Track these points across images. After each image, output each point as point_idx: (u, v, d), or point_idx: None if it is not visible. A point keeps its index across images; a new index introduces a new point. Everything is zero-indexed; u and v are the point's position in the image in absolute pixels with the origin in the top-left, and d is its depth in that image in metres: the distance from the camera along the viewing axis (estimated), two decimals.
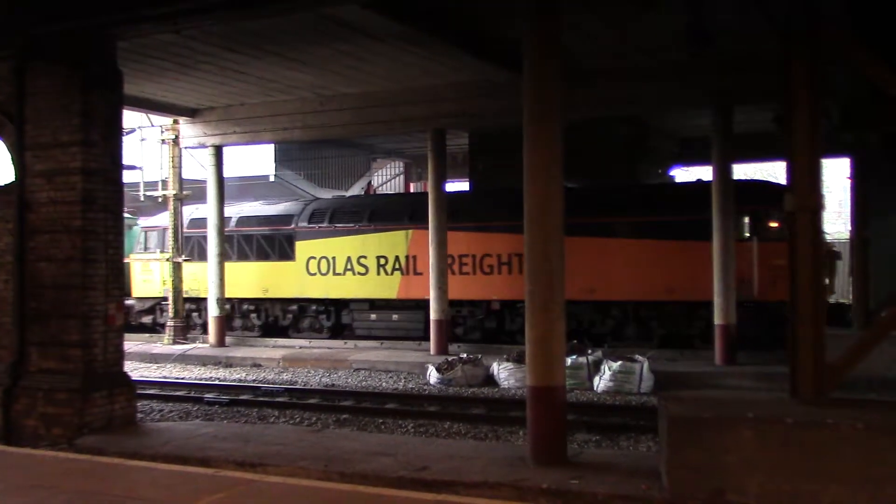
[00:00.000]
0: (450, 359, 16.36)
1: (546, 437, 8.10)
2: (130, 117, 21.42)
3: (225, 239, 21.35)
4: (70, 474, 7.71)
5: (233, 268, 21.65)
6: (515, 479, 7.41)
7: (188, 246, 22.17)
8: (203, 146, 20.58)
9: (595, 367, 14.86)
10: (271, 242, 21.69)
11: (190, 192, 21.94)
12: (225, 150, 20.99)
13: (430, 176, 19.01)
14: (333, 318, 21.24)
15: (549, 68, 8.25)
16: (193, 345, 20.80)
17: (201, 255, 21.88)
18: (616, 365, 14.58)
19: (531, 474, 7.59)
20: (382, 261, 20.32)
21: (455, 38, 13.48)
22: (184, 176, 21.85)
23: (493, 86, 16.44)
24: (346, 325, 21.17)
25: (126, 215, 16.00)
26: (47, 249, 9.93)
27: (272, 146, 27.03)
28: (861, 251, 15.97)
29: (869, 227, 16.15)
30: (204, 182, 21.39)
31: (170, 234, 21.62)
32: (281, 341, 20.92)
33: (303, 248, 21.29)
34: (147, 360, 19.65)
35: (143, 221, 24.66)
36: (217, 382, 16.37)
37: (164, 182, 21.57)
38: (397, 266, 20.15)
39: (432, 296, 18.42)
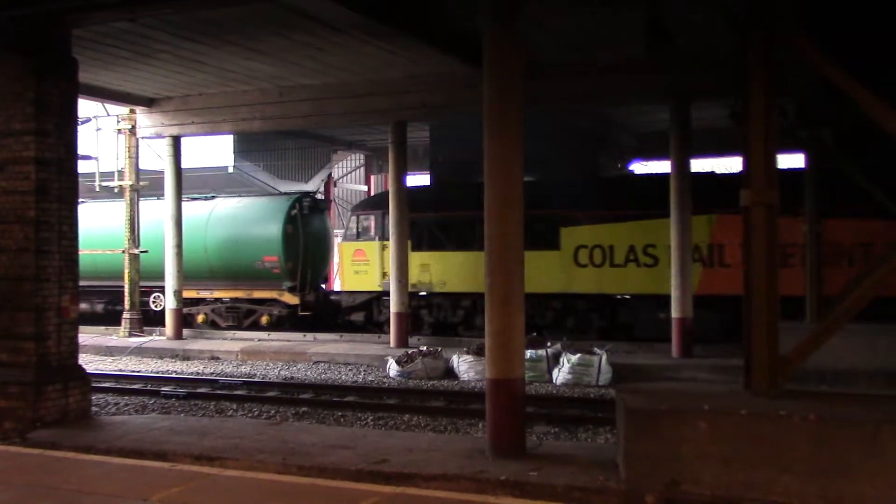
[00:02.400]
0: (410, 351, 16.36)
1: (505, 429, 8.14)
2: (86, 106, 21.07)
3: (410, 226, 19.22)
4: (22, 469, 7.58)
5: (428, 258, 19.97)
6: (474, 472, 7.44)
7: (414, 232, 19.77)
8: (160, 136, 20.31)
9: (554, 360, 14.96)
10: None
11: (147, 182, 21.65)
12: (183, 140, 20.73)
13: (391, 168, 18.99)
14: (607, 316, 18.89)
15: (508, 61, 8.26)
16: (150, 337, 20.57)
17: (430, 243, 20.06)
18: (575, 358, 14.70)
19: (490, 466, 7.62)
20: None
21: (415, 30, 13.44)
22: (141, 166, 21.58)
23: (454, 78, 16.44)
24: (624, 324, 18.77)
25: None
26: None
27: (231, 137, 26.74)
28: (815, 245, 16.24)
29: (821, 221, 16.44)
30: (161, 173, 21.12)
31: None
32: (239, 334, 20.74)
33: (570, 235, 18.79)
34: (102, 352, 19.39)
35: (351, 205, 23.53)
36: (174, 375, 16.20)
37: (121, 172, 21.25)
38: (696, 256, 17.46)
39: (392, 288, 18.39)
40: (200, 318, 22.27)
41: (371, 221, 21.26)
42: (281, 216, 21.43)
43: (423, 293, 20.25)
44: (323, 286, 23.83)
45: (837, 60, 7.21)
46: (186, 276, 20.87)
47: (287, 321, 21.39)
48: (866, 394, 8.73)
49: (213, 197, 23.33)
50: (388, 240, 19.20)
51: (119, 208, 21.89)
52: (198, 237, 21.64)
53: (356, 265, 21.13)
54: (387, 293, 19.20)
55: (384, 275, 19.97)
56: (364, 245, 21.12)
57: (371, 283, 20.90)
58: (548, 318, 19.01)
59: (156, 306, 22.53)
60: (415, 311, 19.90)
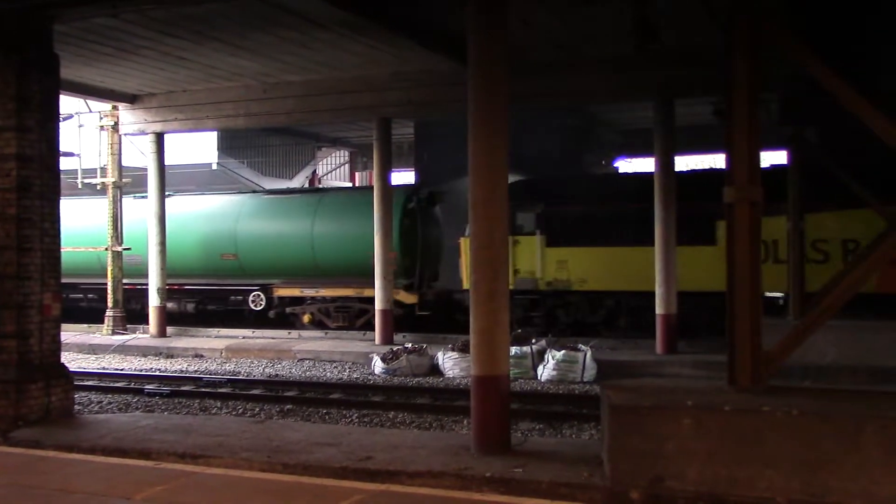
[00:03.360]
0: (395, 349, 16.35)
1: (490, 426, 8.14)
2: (68, 103, 20.90)
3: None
4: (4, 468, 7.53)
5: (567, 253, 18.60)
6: (459, 468, 7.44)
7: (550, 227, 18.63)
8: (143, 133, 20.17)
9: (539, 357, 14.99)
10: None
11: (130, 179, 21.52)
12: (167, 137, 20.62)
13: (375, 165, 18.96)
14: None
15: (494, 56, 8.25)
16: (133, 335, 20.44)
17: (569, 238, 18.55)
18: (560, 354, 14.73)
19: (475, 463, 7.63)
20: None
21: (400, 26, 13.42)
22: (124, 163, 21.43)
23: (439, 75, 16.43)
24: None
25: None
26: None
27: (215, 134, 26.65)
28: (797, 242, 16.32)
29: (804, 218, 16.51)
30: (144, 170, 20.99)
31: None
32: (224, 331, 20.65)
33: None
34: (86, 350, 19.25)
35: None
36: (158, 373, 16.13)
37: (104, 169, 21.11)
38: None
39: (377, 285, 18.36)
40: (306, 318, 20.73)
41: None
42: (398, 209, 19.68)
43: (553, 291, 18.91)
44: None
45: (821, 56, 7.25)
46: (290, 273, 20.16)
47: (404, 322, 19.51)
48: (849, 389, 8.79)
49: (321, 189, 22.27)
50: (518, 235, 18.44)
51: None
52: (304, 231, 20.40)
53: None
54: (518, 291, 18.36)
55: (515, 272, 18.77)
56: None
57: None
58: (702, 318, 17.32)
59: (255, 306, 21.16)
60: (549, 311, 18.92)
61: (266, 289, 20.90)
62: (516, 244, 18.72)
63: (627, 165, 29.30)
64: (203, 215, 21.84)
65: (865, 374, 13.33)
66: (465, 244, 19.32)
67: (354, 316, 20.52)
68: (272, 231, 20.88)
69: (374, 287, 18.56)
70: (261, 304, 21.15)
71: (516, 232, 18.69)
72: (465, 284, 18.87)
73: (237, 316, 22.04)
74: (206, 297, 22.20)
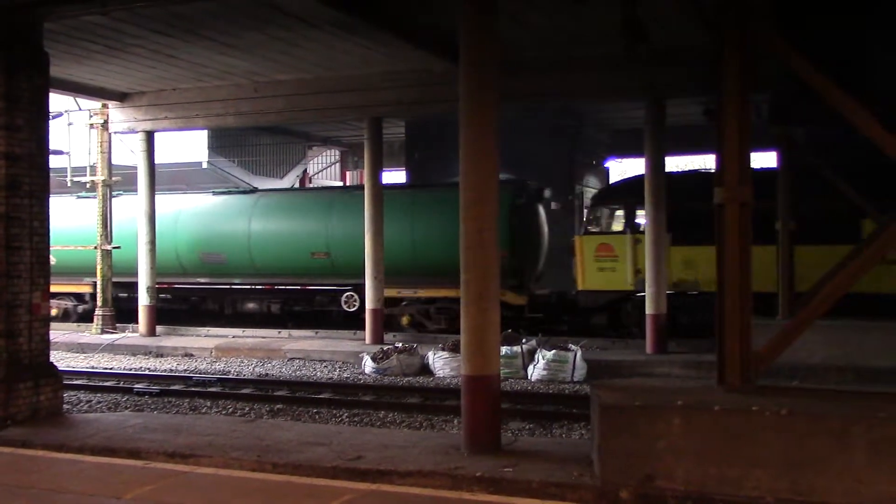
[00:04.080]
0: (385, 348, 16.34)
1: (480, 425, 8.15)
2: (57, 101, 20.80)
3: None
4: None
5: (695, 252, 17.20)
6: (450, 468, 7.45)
7: (675, 224, 17.00)
8: (133, 131, 20.11)
9: (529, 356, 15.01)
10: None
11: (120, 178, 21.45)
12: (157, 135, 20.55)
13: (366, 164, 18.92)
14: None
15: (485, 52, 8.25)
16: (123, 334, 20.37)
17: (698, 236, 16.43)
18: (550, 354, 14.75)
19: (465, 463, 7.63)
20: None
21: (392, 26, 13.41)
22: (113, 162, 21.35)
23: (431, 75, 16.42)
24: None
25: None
26: None
27: (205, 133, 26.57)
28: (787, 241, 16.40)
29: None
30: (134, 168, 20.93)
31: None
32: (213, 330, 20.60)
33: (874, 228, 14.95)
34: (75, 349, 19.17)
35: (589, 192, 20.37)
36: (147, 373, 16.08)
37: (93, 167, 21.04)
38: None
39: (368, 285, 18.35)
40: (405, 319, 19.92)
41: (620, 212, 18.78)
42: (505, 205, 18.18)
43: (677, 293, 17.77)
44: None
45: (810, 57, 7.29)
46: (387, 273, 18.52)
47: (513, 325, 17.56)
48: (837, 389, 8.82)
49: (417, 185, 21.24)
50: (642, 233, 17.15)
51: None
52: (401, 228, 19.40)
53: (600, 261, 18.50)
54: (640, 292, 17.32)
55: (637, 272, 17.76)
56: (612, 239, 18.55)
57: (620, 282, 18.38)
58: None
59: (349, 307, 20.25)
60: (673, 313, 17.20)
61: (359, 289, 19.44)
62: (638, 243, 17.64)
63: (619, 166, 29.38)
64: (291, 213, 21.13)
65: (853, 374, 13.39)
66: (579, 242, 18.81)
67: (456, 317, 19.45)
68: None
69: None
70: (354, 306, 20.10)
71: (636, 230, 18.00)
72: (582, 285, 18.71)
73: (323, 318, 20.95)
74: (291, 297, 21.34)
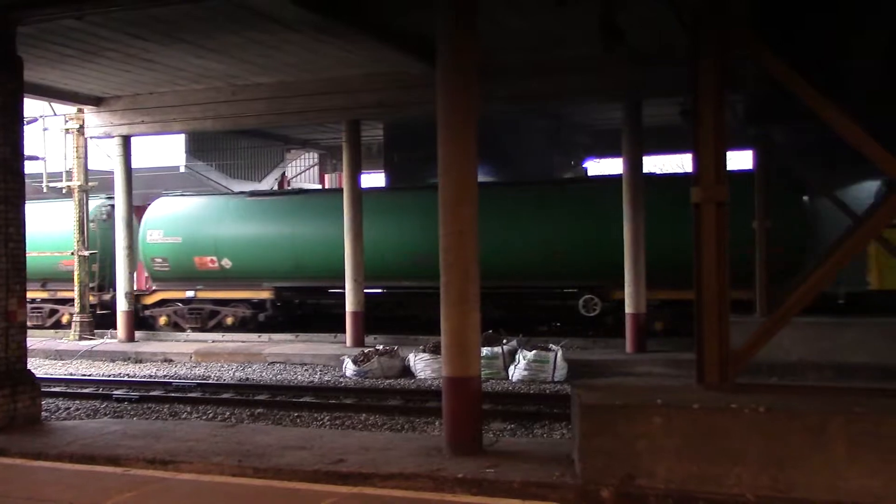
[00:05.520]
0: (366, 350, 16.30)
1: (462, 426, 8.16)
2: (32, 106, 20.64)
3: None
4: None
5: None
6: (432, 470, 7.45)
7: None
8: (110, 136, 19.98)
9: (510, 357, 15.03)
10: None
11: (96, 182, 21.29)
12: (133, 140, 20.42)
13: (345, 167, 18.90)
14: None
15: (463, 62, 8.26)
16: (101, 340, 20.22)
17: None
18: (531, 354, 14.78)
19: (447, 464, 7.64)
20: None
21: (371, 29, 13.39)
22: (90, 167, 21.20)
23: (410, 77, 16.43)
24: None
25: None
26: None
27: (183, 136, 26.41)
28: (764, 240, 16.50)
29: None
30: (111, 173, 20.78)
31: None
32: (193, 335, 20.49)
33: None
34: (52, 356, 19.02)
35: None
36: (126, 378, 15.96)
37: (69, 173, 20.87)
38: None
39: (348, 287, 18.31)
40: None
41: None
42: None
43: None
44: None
45: (785, 57, 7.35)
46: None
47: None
48: (815, 385, 8.92)
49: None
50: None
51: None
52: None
53: None
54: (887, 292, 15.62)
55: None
56: None
57: None
58: None
59: (588, 311, 18.51)
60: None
61: (598, 291, 18.12)
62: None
63: (596, 166, 29.48)
64: (536, 207, 19.09)
65: (831, 371, 13.53)
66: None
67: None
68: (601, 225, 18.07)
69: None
70: (595, 310, 18.48)
71: None
72: (876, 284, 16.72)
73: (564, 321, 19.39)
74: (515, 301, 19.54)
